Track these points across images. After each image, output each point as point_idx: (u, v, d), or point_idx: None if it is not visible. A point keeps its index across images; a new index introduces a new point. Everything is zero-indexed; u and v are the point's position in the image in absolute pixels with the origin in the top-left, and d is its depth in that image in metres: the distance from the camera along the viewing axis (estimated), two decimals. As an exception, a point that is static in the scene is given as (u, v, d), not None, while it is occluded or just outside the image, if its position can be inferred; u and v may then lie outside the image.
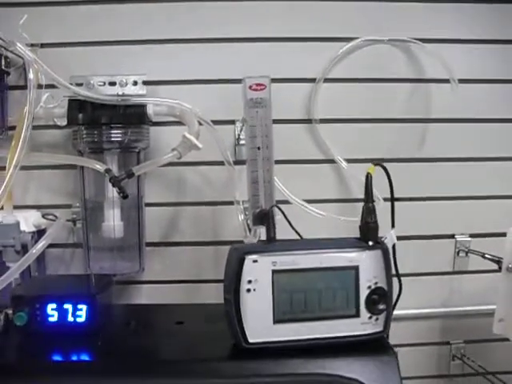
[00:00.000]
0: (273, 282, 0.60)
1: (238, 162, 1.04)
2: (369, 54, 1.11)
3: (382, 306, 0.62)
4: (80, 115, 0.99)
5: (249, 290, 0.60)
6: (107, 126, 0.99)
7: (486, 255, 1.10)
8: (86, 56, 1.10)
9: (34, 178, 1.13)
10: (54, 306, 0.67)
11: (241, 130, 1.08)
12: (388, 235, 0.69)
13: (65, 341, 0.64)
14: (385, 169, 0.70)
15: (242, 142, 1.10)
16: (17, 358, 0.63)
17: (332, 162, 1.13)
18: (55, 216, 1.02)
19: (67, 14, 1.09)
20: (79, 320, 0.66)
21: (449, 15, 1.12)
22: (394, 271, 0.73)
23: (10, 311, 0.72)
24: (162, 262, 1.14)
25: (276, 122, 0.91)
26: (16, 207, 1.08)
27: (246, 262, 0.60)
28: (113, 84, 1.02)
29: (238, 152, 1.11)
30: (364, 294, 0.62)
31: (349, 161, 1.12)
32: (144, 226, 1.09)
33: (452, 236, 1.19)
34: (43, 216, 1.04)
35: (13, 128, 1.06)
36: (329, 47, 1.10)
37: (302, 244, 0.70)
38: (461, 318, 1.22)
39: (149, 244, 1.12)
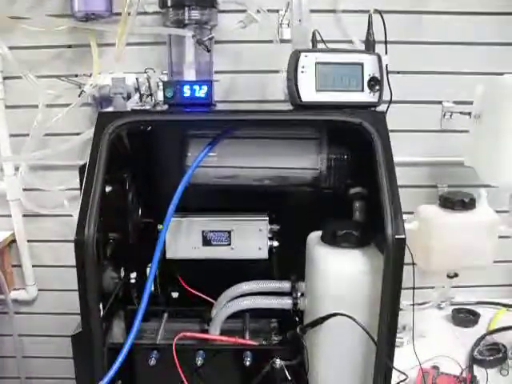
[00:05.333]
0: (315, 68, 1.23)
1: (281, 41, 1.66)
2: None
3: (377, 87, 1.25)
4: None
5: (302, 72, 1.22)
6: (189, 7, 1.61)
7: (462, 112, 1.74)
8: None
9: (130, 52, 1.77)
10: (188, 87, 1.30)
11: (283, 16, 1.70)
12: (384, 58, 1.34)
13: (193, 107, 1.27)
14: (381, 15, 1.36)
15: (283, 25, 1.72)
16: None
17: (350, 42, 1.75)
18: (153, 70, 1.65)
19: None
20: (201, 95, 1.29)
21: None
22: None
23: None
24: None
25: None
26: (119, 72, 1.73)
27: (301, 56, 1.22)
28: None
29: (281, 33, 1.73)
30: (366, 79, 1.23)
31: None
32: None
33: (439, 102, 1.82)
34: (145, 70, 1.66)
35: (117, 14, 1.70)
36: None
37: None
38: (446, 166, 1.87)
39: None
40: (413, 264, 1.31)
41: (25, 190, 1.82)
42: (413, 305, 1.48)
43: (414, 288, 1.32)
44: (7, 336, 2.00)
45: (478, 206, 1.54)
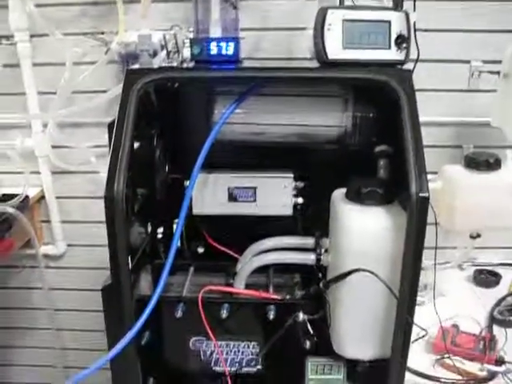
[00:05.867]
0: (342, 25, 1.23)
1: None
2: None
3: (404, 45, 1.26)
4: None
5: (329, 29, 1.23)
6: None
7: (491, 71, 1.73)
8: None
9: (155, 9, 1.78)
10: (214, 43, 1.32)
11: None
12: (412, 15, 1.33)
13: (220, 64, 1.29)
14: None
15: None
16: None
17: None
18: (180, 27, 1.67)
19: None
20: (228, 52, 1.31)
21: None
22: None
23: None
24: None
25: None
26: (144, 29, 1.74)
27: (328, 13, 1.23)
28: None
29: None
30: (393, 37, 1.24)
31: None
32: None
33: (468, 61, 1.80)
34: (171, 27, 1.68)
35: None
36: None
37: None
38: (472, 126, 1.86)
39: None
40: (436, 224, 1.33)
41: (53, 147, 1.85)
42: (434, 264, 1.50)
43: (436, 248, 1.33)
44: (38, 289, 2.07)
45: (504, 167, 1.54)
